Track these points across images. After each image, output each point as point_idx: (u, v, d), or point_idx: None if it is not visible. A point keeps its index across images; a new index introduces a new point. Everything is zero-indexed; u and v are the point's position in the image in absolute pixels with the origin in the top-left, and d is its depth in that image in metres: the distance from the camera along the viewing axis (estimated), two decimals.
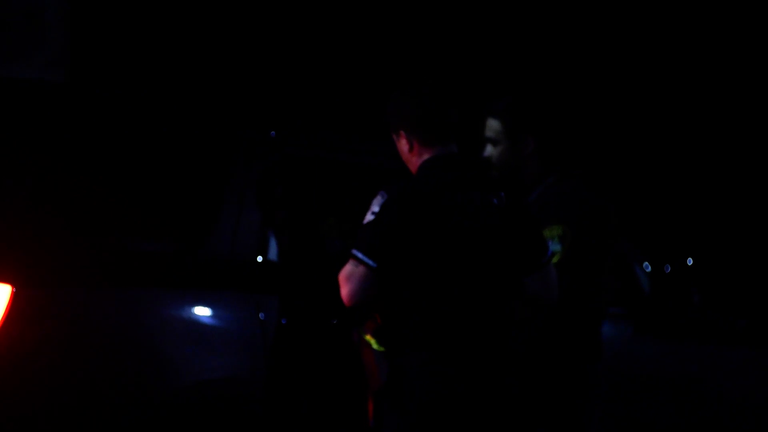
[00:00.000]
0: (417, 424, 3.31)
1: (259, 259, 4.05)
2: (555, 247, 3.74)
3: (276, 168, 4.19)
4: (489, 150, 3.97)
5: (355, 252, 3.34)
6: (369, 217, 3.38)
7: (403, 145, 3.54)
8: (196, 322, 3.85)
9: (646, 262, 5.40)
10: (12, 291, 3.51)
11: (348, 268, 3.34)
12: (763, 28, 14.70)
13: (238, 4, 12.32)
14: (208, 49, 12.06)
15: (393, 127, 3.56)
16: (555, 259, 3.71)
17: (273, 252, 4.12)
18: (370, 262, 3.30)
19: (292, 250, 4.15)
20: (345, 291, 3.34)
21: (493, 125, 3.97)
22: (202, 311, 3.88)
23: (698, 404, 5.27)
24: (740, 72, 15.33)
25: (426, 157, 3.50)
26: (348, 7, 12.80)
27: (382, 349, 3.39)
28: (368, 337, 3.41)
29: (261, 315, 3.97)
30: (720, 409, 5.34)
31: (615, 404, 4.89)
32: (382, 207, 3.36)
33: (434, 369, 3.32)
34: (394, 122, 3.55)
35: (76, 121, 3.97)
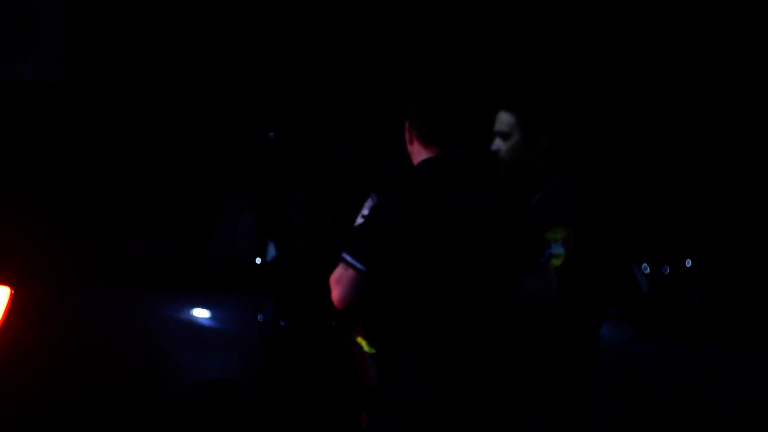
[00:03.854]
0: (417, 423, 3.31)
1: (258, 260, 4.05)
2: (558, 249, 3.72)
3: (276, 168, 4.19)
4: (498, 144, 3.92)
5: (344, 255, 3.35)
6: (359, 220, 3.38)
7: (407, 135, 3.57)
8: (195, 324, 3.85)
9: (645, 264, 5.40)
10: (11, 293, 3.51)
11: (338, 272, 3.36)
12: (763, 28, 14.70)
13: (237, 4, 12.32)
14: (207, 49, 12.05)
15: (404, 116, 3.58)
16: (558, 262, 3.69)
17: (271, 253, 4.12)
18: (359, 266, 3.31)
19: (291, 251, 4.14)
20: (335, 294, 3.36)
21: (506, 119, 3.91)
22: (200, 312, 3.88)
23: (698, 405, 5.26)
24: (739, 74, 15.33)
25: (423, 157, 3.50)
26: (349, 7, 12.79)
27: (373, 350, 3.39)
28: (360, 339, 3.41)
29: (259, 316, 3.97)
30: (720, 409, 5.34)
31: (615, 405, 4.89)
32: (372, 209, 3.36)
33: (434, 369, 3.32)
34: (405, 113, 3.57)
35: (76, 122, 3.97)
